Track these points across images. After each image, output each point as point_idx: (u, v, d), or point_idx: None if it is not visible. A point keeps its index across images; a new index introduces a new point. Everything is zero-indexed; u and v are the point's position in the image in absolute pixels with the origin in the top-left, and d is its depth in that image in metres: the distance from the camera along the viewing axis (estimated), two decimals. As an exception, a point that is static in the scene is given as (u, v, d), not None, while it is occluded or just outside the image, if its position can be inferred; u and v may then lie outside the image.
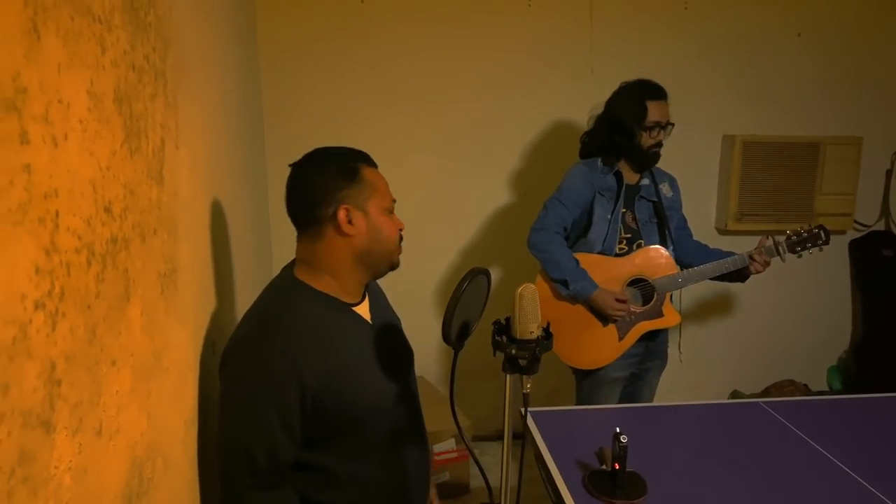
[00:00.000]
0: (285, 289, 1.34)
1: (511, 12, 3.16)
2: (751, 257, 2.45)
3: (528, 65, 3.21)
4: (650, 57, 3.26)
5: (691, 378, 3.61)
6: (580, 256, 2.44)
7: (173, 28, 1.19)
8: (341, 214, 1.31)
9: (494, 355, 1.23)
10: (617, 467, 1.65)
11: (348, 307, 1.36)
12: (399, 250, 1.41)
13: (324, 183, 1.32)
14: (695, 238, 2.69)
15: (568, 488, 1.71)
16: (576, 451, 1.84)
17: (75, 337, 0.67)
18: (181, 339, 1.17)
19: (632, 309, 2.44)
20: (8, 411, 0.53)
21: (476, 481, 3.18)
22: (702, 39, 3.30)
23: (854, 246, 3.57)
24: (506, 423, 1.21)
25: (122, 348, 0.81)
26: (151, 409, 0.94)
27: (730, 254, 2.51)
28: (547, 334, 1.24)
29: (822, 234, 2.48)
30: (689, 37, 3.29)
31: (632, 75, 2.54)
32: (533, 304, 1.22)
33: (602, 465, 1.77)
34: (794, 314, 3.65)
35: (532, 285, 1.23)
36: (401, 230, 1.41)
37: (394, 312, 1.56)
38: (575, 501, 1.66)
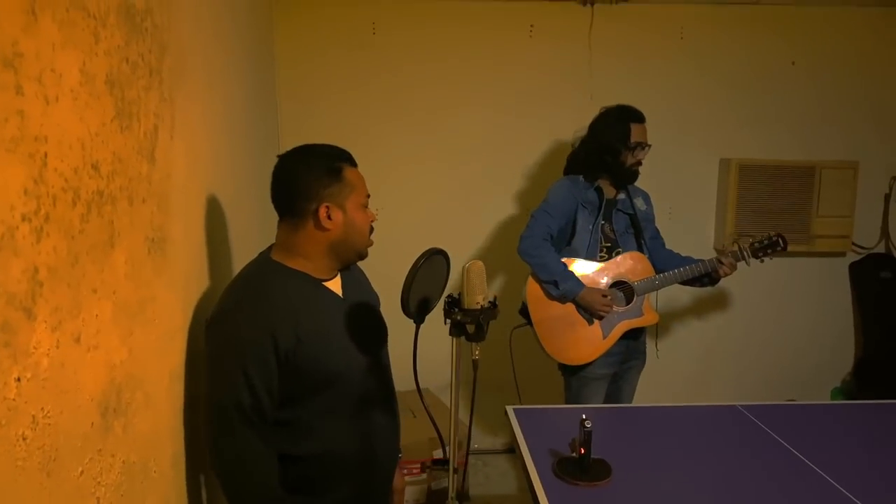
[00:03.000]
0: (262, 268, 1.51)
1: (514, 41, 3.37)
2: (719, 261, 2.63)
3: (530, 91, 3.41)
4: (647, 84, 3.42)
5: (693, 396, 3.66)
6: (567, 261, 2.63)
7: (173, 38, 1.39)
8: (322, 211, 1.48)
9: (445, 323, 1.38)
10: (582, 452, 1.77)
11: (319, 282, 1.53)
12: (369, 242, 1.59)
13: (310, 180, 1.49)
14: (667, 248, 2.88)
15: (537, 473, 1.83)
16: (553, 443, 1.95)
17: (58, 256, 0.84)
18: (171, 302, 1.34)
19: (615, 308, 2.62)
20: (-6, 286, 0.70)
21: (476, 490, 3.26)
22: (697, 68, 3.45)
23: (854, 268, 3.62)
24: (452, 381, 1.35)
25: (105, 283, 0.99)
26: (134, 346, 1.11)
27: (700, 260, 2.69)
28: (492, 305, 1.38)
29: (781, 242, 2.63)
30: (685, 65, 3.44)
31: (629, 101, 2.71)
32: (479, 279, 1.37)
33: (573, 453, 1.88)
34: (797, 335, 3.70)
35: (479, 262, 1.38)
36: (372, 222, 1.58)
37: (373, 292, 1.72)
38: (543, 484, 1.77)
